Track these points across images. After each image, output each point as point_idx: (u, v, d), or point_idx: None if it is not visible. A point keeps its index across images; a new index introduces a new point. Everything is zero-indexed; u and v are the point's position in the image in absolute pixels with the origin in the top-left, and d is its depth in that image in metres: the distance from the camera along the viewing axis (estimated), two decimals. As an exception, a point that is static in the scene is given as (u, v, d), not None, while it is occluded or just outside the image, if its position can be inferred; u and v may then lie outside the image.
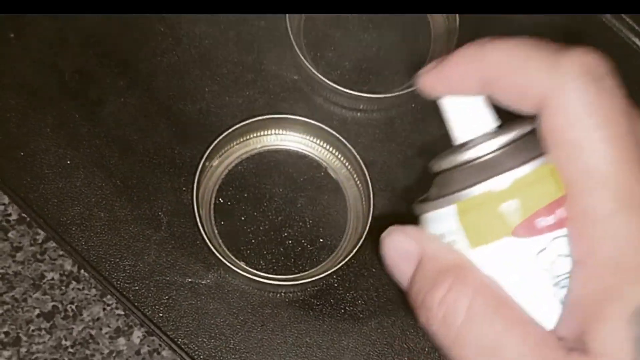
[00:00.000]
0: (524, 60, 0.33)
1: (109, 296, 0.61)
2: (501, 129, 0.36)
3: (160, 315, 0.56)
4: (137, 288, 0.56)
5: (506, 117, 0.36)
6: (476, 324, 0.33)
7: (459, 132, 0.37)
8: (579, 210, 0.33)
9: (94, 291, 0.61)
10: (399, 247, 0.36)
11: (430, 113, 0.61)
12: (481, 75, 0.35)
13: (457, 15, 0.59)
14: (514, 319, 0.33)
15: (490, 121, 0.37)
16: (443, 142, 0.60)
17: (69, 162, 0.58)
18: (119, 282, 0.56)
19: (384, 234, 0.36)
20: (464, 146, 0.36)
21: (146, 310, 0.56)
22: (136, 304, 0.56)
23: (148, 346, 0.60)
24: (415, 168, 0.60)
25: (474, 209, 0.34)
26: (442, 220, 0.35)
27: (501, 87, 0.34)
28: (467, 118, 0.37)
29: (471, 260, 0.35)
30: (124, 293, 0.56)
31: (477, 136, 0.36)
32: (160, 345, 0.60)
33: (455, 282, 0.34)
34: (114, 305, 0.61)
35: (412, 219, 0.58)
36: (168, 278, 0.57)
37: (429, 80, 0.37)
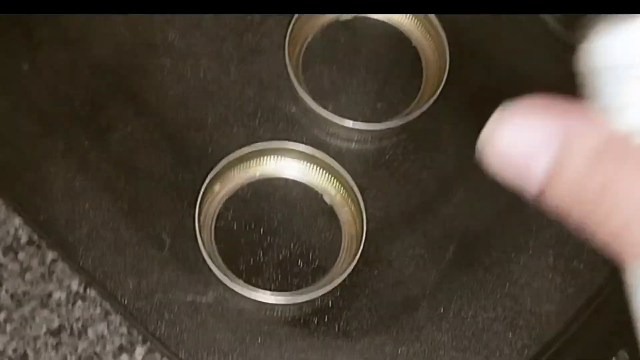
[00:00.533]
0: None
1: (112, 315, 0.63)
2: None
3: (162, 330, 0.59)
4: (140, 305, 0.59)
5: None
6: None
7: None
8: None
9: (98, 310, 0.64)
10: (529, 136, 0.25)
11: (419, 144, 0.64)
12: None
13: (447, 49, 0.63)
14: None
15: None
16: (433, 171, 0.63)
17: (77, 185, 0.61)
18: (123, 299, 0.59)
19: (490, 126, 0.26)
20: None
21: (149, 325, 0.59)
22: (140, 319, 0.59)
23: (150, 363, 0.63)
24: (405, 194, 0.63)
25: None
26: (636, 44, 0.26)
27: None
28: None
29: None
30: (128, 309, 0.59)
31: None
32: (161, 362, 0.63)
33: (625, 160, 0.25)
34: (117, 324, 0.63)
35: (405, 246, 0.61)
36: (170, 296, 0.59)
37: None
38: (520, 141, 0.25)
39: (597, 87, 0.26)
